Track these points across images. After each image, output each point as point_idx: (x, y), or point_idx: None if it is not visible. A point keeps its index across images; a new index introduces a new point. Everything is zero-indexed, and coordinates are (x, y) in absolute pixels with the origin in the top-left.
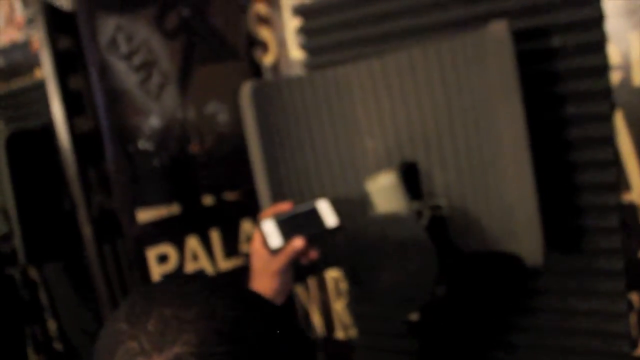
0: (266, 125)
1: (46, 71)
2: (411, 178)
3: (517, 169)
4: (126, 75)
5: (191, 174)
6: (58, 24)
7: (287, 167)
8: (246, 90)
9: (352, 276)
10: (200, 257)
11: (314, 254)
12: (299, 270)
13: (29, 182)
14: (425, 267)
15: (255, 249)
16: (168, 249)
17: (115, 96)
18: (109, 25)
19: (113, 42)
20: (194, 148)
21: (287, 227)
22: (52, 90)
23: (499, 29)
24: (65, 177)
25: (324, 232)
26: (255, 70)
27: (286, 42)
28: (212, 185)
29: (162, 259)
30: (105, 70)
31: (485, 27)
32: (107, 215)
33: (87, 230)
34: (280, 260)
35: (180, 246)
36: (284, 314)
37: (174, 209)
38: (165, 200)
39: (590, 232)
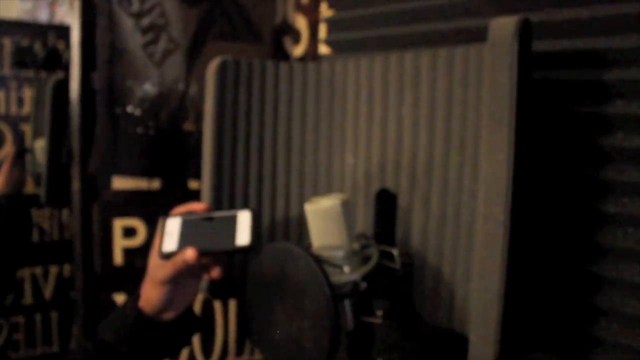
0: (229, 107)
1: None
2: (387, 211)
3: (487, 241)
4: (132, 34)
5: (181, 152)
6: None
7: (243, 160)
8: (214, 65)
9: (245, 315)
10: None
11: (215, 272)
12: (215, 285)
13: (61, 129)
14: (321, 329)
15: (154, 248)
16: (137, 224)
17: (116, 54)
18: None
19: None
20: (188, 126)
21: (191, 232)
22: (74, 38)
23: (502, 26)
24: (69, 129)
25: (231, 250)
26: (281, 58)
27: (318, 35)
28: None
29: (129, 232)
30: (112, 25)
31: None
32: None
33: (76, 185)
34: (166, 269)
35: (151, 224)
36: (176, 329)
37: (154, 184)
38: (147, 173)
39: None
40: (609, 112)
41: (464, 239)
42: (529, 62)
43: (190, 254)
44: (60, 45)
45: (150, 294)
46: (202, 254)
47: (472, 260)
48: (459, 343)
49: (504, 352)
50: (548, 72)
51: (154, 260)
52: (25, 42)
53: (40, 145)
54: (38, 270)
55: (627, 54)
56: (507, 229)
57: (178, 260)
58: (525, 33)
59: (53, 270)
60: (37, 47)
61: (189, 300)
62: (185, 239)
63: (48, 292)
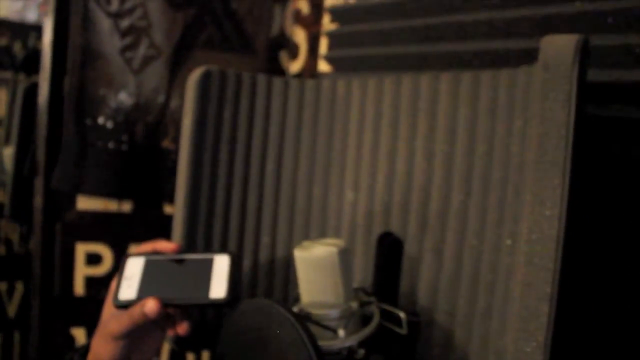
0: (212, 124)
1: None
2: (391, 259)
3: (528, 316)
4: (109, 36)
5: (157, 172)
6: None
7: (225, 188)
8: (196, 75)
9: None
10: None
11: (182, 329)
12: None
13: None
14: None
15: (110, 292)
16: (103, 250)
17: (90, 56)
18: None
19: None
20: (167, 143)
21: (156, 277)
22: (46, 37)
23: (559, 46)
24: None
25: (203, 304)
26: (276, 74)
27: (318, 50)
28: None
29: (93, 259)
30: (87, 24)
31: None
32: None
33: (38, 201)
34: (121, 322)
35: (119, 252)
36: None
37: (125, 206)
38: (117, 193)
39: None
40: None
41: (482, 301)
42: (585, 93)
43: (151, 306)
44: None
45: (101, 350)
46: (166, 305)
47: (491, 325)
48: None
49: None
50: (601, 107)
51: (108, 308)
52: (3, 42)
53: (8, 153)
54: (2, 286)
55: None
56: (553, 303)
57: (136, 312)
58: (585, 56)
59: (19, 286)
60: (17, 47)
61: (147, 359)
62: (147, 286)
63: (12, 309)
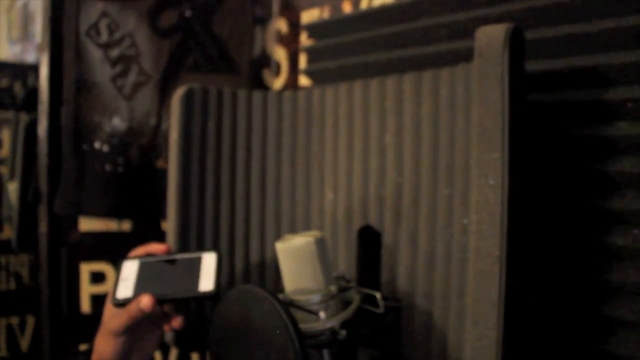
0: (197, 139)
1: (42, 51)
2: (371, 250)
3: (481, 280)
4: (100, 66)
5: (153, 191)
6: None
7: (213, 197)
8: (179, 93)
9: None
10: None
11: (177, 322)
12: (183, 336)
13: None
14: None
15: (109, 294)
16: (106, 268)
17: (83, 86)
18: (94, 9)
19: (94, 27)
20: (161, 163)
21: (149, 276)
22: (42, 73)
23: (490, 34)
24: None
25: (193, 297)
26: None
27: (299, 66)
28: None
29: (98, 277)
30: (79, 56)
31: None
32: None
33: (43, 227)
34: (121, 319)
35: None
36: None
37: (124, 225)
38: (116, 213)
39: None
40: (612, 135)
41: (456, 280)
42: (522, 76)
43: (146, 301)
44: None
45: (104, 347)
46: (160, 301)
47: (465, 303)
48: None
49: None
50: (545, 94)
51: (108, 309)
52: (5, 83)
53: (13, 188)
54: (14, 320)
55: (629, 71)
56: (503, 265)
57: (133, 308)
58: (516, 42)
59: (30, 320)
60: (18, 87)
61: (148, 354)
62: (142, 285)
63: (25, 343)
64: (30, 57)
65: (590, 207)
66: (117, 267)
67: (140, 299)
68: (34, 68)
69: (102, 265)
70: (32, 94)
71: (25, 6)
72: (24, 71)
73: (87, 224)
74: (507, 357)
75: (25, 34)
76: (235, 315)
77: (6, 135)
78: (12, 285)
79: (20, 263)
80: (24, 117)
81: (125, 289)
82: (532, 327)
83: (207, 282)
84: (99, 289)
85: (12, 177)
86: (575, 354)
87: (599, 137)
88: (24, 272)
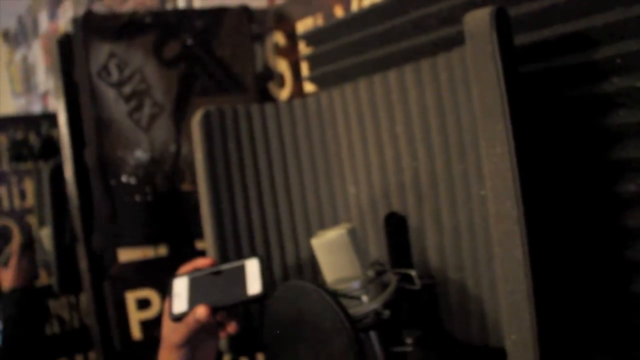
0: (220, 157)
1: (58, 99)
2: (399, 234)
3: (504, 241)
4: (115, 103)
5: (182, 214)
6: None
7: (244, 209)
8: (198, 117)
9: None
10: None
11: (232, 328)
12: (236, 342)
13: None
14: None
15: (165, 312)
16: (150, 294)
17: (103, 125)
18: (102, 51)
19: (104, 69)
20: (186, 186)
21: (200, 289)
22: (61, 119)
23: (477, 17)
24: (69, 210)
25: (244, 301)
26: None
27: (302, 74)
28: None
29: (144, 304)
30: (94, 98)
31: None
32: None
33: (84, 264)
34: (180, 332)
35: (165, 292)
36: None
37: (161, 250)
38: (151, 240)
39: None
40: (607, 91)
41: (482, 248)
42: (513, 51)
43: (202, 311)
44: (55, 134)
45: None
46: (214, 309)
47: (495, 267)
48: (498, 358)
49: (547, 354)
50: (538, 63)
51: (166, 325)
52: (20, 136)
53: (45, 234)
54: None
55: (613, 30)
56: (522, 224)
57: (190, 320)
58: (502, 21)
59: (79, 359)
60: (32, 138)
61: None
62: (195, 298)
63: None
64: (36, 108)
65: (598, 161)
66: (168, 285)
67: (196, 310)
68: (46, 117)
69: (146, 292)
70: (47, 142)
71: (25, 59)
72: (36, 121)
73: (126, 255)
74: (542, 306)
75: (28, 86)
76: (286, 311)
77: (29, 185)
78: (57, 328)
79: (62, 306)
80: (42, 166)
81: (180, 304)
82: (560, 279)
83: (254, 285)
84: (146, 314)
85: (42, 224)
86: (602, 298)
87: (596, 95)
88: (66, 315)
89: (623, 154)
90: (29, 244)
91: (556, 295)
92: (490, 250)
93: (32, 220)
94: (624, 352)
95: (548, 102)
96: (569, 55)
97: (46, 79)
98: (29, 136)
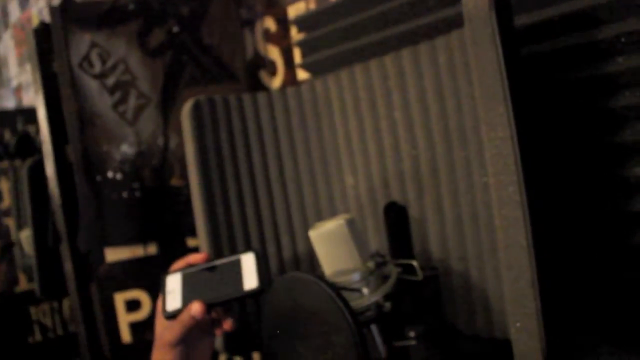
0: (212, 148)
1: (37, 92)
2: (399, 225)
3: (508, 227)
4: (99, 95)
5: (173, 210)
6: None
7: (237, 202)
8: (187, 107)
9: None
10: None
11: (228, 325)
12: (232, 340)
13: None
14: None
15: (158, 310)
16: (140, 295)
17: (86, 119)
18: (83, 41)
19: (86, 59)
20: (176, 181)
21: (194, 285)
22: (40, 113)
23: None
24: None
25: (240, 296)
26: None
27: (294, 61)
28: None
29: (133, 305)
30: (76, 90)
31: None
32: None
33: (68, 266)
34: (174, 330)
35: (155, 293)
36: None
37: (150, 249)
38: (140, 238)
39: None
40: (612, 71)
41: (486, 236)
42: (513, 32)
43: (197, 307)
44: (32, 130)
45: None
46: (209, 305)
47: (498, 255)
48: (504, 351)
49: (552, 341)
50: (541, 44)
51: (160, 324)
52: None
53: (25, 236)
54: None
55: (617, 7)
56: (525, 209)
57: (185, 317)
58: (501, 2)
59: None
60: (7, 135)
61: None
62: (189, 294)
63: None
64: (9, 103)
65: (603, 144)
66: (160, 282)
67: (191, 306)
68: (21, 112)
69: (135, 293)
70: (24, 139)
71: None
72: (11, 117)
73: (114, 254)
74: (546, 293)
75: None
76: (285, 304)
77: (4, 185)
78: (38, 336)
79: (43, 313)
80: (19, 165)
81: (173, 301)
82: (565, 265)
83: (250, 280)
84: (136, 316)
85: (20, 226)
86: (607, 284)
87: (600, 76)
88: (48, 322)
89: (629, 136)
90: (7, 247)
91: (561, 282)
92: (494, 239)
93: (10, 222)
94: (628, 338)
95: (551, 84)
96: (571, 35)
97: (19, 72)
98: (4, 133)
